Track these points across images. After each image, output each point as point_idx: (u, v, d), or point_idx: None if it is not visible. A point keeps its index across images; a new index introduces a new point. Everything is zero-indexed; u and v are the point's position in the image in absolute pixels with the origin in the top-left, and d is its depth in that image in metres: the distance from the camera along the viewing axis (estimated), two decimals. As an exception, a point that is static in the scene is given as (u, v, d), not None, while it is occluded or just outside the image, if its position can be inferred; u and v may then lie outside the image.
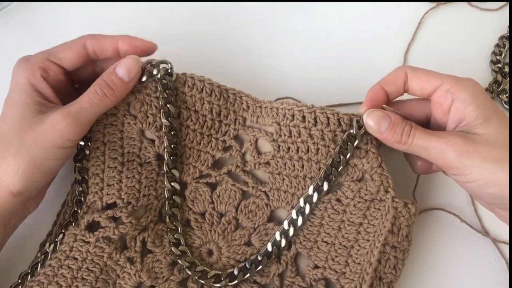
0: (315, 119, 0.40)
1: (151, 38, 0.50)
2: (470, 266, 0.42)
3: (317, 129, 0.40)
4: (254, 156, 0.42)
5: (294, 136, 0.40)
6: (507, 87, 0.47)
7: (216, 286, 0.39)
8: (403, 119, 0.37)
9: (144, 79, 0.41)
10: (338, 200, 0.39)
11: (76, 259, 0.39)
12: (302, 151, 0.40)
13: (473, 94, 0.35)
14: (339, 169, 0.39)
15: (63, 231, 0.41)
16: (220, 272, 0.40)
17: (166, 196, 0.41)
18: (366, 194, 0.38)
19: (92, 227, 0.40)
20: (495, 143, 0.34)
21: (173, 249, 0.40)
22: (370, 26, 0.51)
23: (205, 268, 0.40)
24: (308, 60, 0.50)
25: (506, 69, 0.48)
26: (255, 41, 0.51)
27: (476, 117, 0.35)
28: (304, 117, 0.40)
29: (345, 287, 0.37)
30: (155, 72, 0.41)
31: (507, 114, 0.48)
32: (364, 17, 0.51)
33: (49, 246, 0.41)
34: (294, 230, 0.39)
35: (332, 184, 0.39)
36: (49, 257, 0.40)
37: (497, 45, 0.50)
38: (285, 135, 0.40)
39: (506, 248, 0.42)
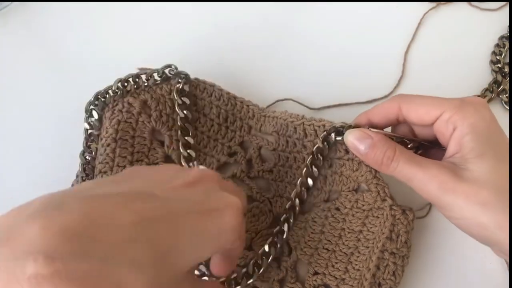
0: (304, 131, 0.41)
1: (151, 38, 0.50)
2: (470, 266, 0.43)
3: (308, 141, 0.41)
4: (258, 164, 0.43)
5: (290, 146, 0.41)
6: (507, 87, 0.48)
7: None
8: (389, 142, 0.35)
9: (158, 81, 0.42)
10: (337, 209, 0.40)
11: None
12: (299, 161, 0.41)
13: (473, 123, 0.33)
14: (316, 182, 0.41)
15: None
16: (223, 280, 0.40)
17: None
18: (363, 205, 0.39)
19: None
20: (484, 183, 0.32)
21: None
22: (370, 26, 0.51)
23: (213, 278, 0.40)
24: (307, 60, 0.50)
25: (506, 69, 0.49)
26: (254, 41, 0.51)
27: (470, 150, 0.32)
28: (295, 128, 0.41)
29: (344, 293, 0.38)
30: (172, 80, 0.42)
31: (507, 114, 0.48)
32: (364, 17, 0.52)
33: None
34: (288, 229, 0.40)
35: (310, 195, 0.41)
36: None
37: (497, 45, 0.50)
38: (283, 145, 0.42)
39: None
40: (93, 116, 0.41)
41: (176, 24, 0.51)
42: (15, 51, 0.50)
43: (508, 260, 0.40)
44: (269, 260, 0.40)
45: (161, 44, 0.50)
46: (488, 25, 0.51)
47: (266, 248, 0.40)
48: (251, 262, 0.40)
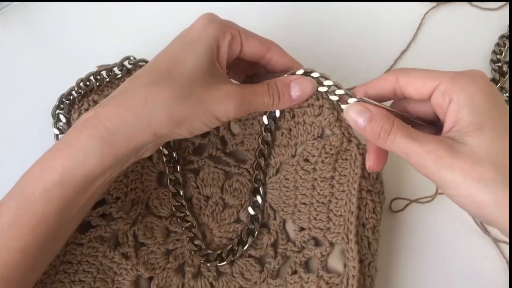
0: None
1: (151, 37, 0.50)
2: (470, 265, 0.43)
3: None
4: (230, 138, 0.44)
5: (250, 114, 0.43)
6: (505, 86, 0.48)
7: (219, 265, 0.41)
8: (387, 115, 0.34)
9: (119, 75, 0.43)
10: (306, 160, 0.41)
11: (71, 262, 0.40)
12: (259, 124, 0.42)
13: (470, 95, 0.32)
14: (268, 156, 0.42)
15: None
16: (220, 251, 0.41)
17: (169, 182, 0.43)
18: (331, 149, 0.39)
19: (81, 228, 0.40)
20: (483, 158, 0.30)
21: (183, 226, 0.42)
22: (370, 26, 0.52)
23: (208, 251, 0.41)
24: (306, 61, 0.49)
25: (505, 68, 0.49)
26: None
27: (469, 123, 0.31)
28: None
29: (333, 241, 0.39)
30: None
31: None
32: (364, 17, 0.52)
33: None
34: (263, 188, 0.42)
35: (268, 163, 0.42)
36: (43, 266, 0.40)
37: (497, 44, 0.50)
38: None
39: (506, 248, 0.43)
40: (61, 120, 0.42)
41: (176, 23, 0.50)
42: (15, 50, 0.51)
43: (508, 257, 0.41)
44: (259, 223, 0.41)
45: (161, 43, 0.49)
46: (488, 24, 0.52)
47: (250, 210, 0.42)
48: (244, 230, 0.41)
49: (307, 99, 0.39)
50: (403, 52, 0.50)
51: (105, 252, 0.40)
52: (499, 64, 0.50)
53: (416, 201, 0.45)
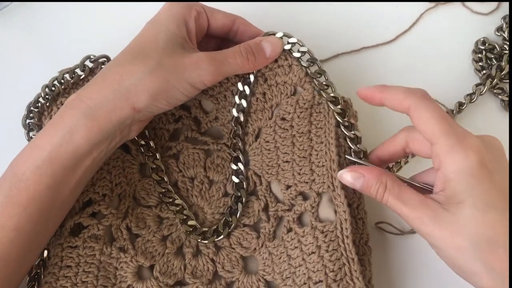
0: None
1: None
2: None
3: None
4: (203, 117, 0.45)
5: (223, 83, 0.43)
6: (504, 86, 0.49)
7: (217, 240, 0.42)
8: (380, 178, 0.37)
9: (83, 76, 0.43)
10: (283, 118, 0.42)
11: (70, 266, 0.40)
12: (232, 95, 0.43)
13: (459, 170, 0.33)
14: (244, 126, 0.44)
15: (45, 246, 0.41)
16: (215, 226, 0.42)
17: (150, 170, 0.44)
18: (304, 103, 0.41)
19: (74, 231, 0.41)
20: (461, 228, 0.33)
21: (174, 211, 0.43)
22: (370, 26, 0.52)
23: (204, 229, 0.42)
24: None
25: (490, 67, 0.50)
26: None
27: (451, 196, 0.34)
28: None
29: (319, 191, 0.40)
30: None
31: (507, 115, 0.48)
32: (364, 17, 0.53)
33: (38, 266, 0.40)
34: (244, 156, 0.43)
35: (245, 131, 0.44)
36: (42, 276, 0.40)
37: (474, 51, 0.51)
38: (215, 86, 0.44)
39: None
40: (33, 130, 0.42)
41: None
42: (15, 50, 0.51)
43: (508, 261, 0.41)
44: (246, 189, 0.42)
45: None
46: (487, 24, 0.52)
47: (234, 179, 0.43)
48: (232, 199, 0.42)
49: (277, 61, 0.42)
50: (389, 42, 0.52)
51: (102, 249, 0.40)
52: (484, 72, 0.49)
53: (408, 233, 0.45)
